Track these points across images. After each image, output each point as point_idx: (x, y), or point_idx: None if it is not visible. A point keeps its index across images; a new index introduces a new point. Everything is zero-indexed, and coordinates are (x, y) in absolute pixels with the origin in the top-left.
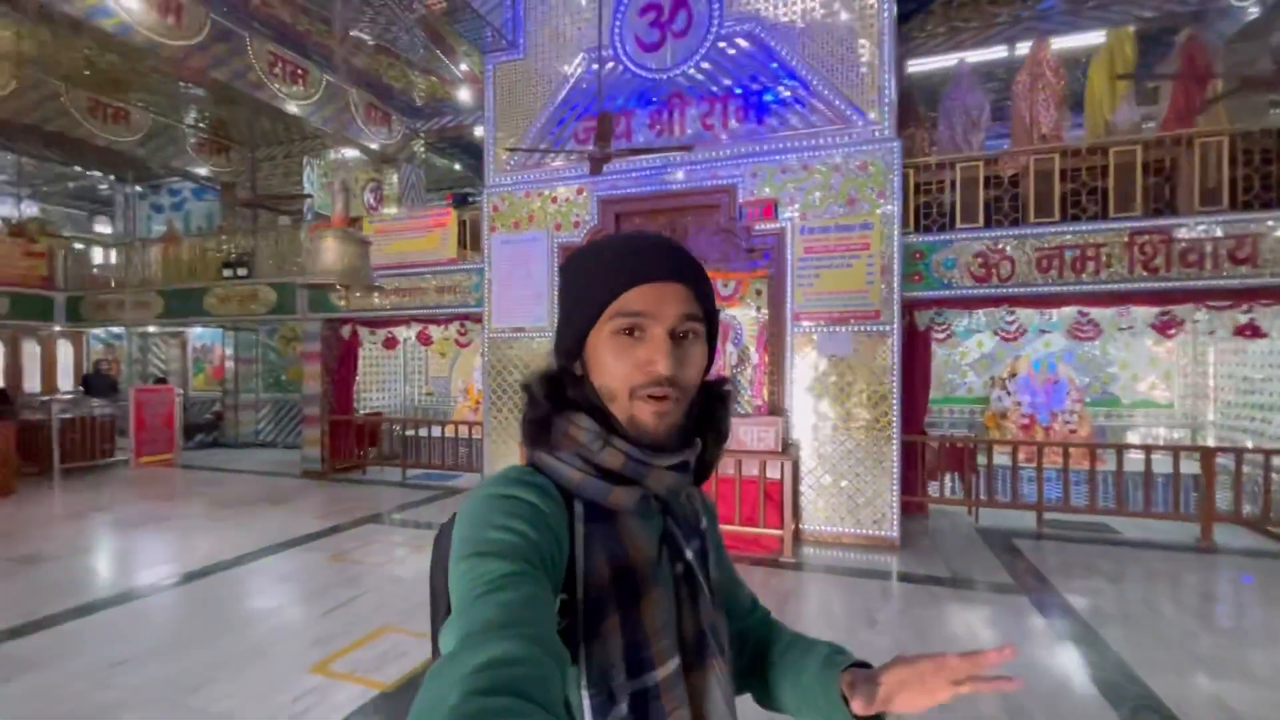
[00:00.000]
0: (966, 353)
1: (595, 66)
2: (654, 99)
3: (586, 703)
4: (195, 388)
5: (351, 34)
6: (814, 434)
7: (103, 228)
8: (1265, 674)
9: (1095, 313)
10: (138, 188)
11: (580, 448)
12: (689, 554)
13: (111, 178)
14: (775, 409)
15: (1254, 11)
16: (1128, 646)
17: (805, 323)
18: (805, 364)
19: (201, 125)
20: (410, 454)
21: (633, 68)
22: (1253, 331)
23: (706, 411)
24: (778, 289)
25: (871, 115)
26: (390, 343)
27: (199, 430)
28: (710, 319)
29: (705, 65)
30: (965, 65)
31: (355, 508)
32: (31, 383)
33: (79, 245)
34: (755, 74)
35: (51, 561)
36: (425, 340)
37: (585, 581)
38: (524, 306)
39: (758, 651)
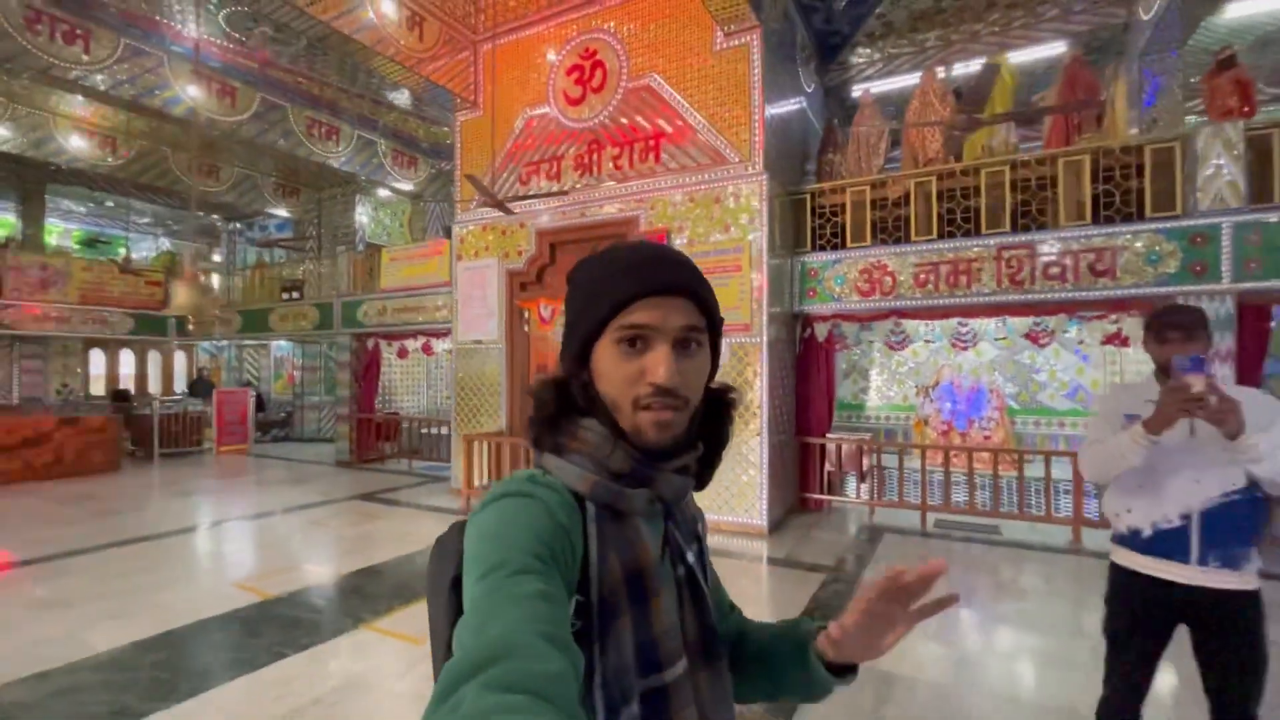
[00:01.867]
0: (902, 362)
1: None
2: (578, 145)
3: (600, 702)
4: (275, 391)
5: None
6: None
7: (219, 257)
8: (974, 648)
9: (975, 323)
10: (236, 224)
11: (590, 450)
12: (690, 557)
13: (215, 218)
14: None
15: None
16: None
17: None
18: None
19: (273, 175)
20: (427, 449)
21: (563, 119)
22: (1121, 341)
23: (709, 418)
24: None
25: (743, 155)
26: (402, 353)
27: (274, 426)
28: (713, 328)
29: (616, 115)
30: (868, 95)
31: (355, 488)
32: (154, 386)
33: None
34: (654, 121)
35: (131, 513)
36: (428, 351)
37: (599, 582)
38: (481, 322)
39: (733, 648)
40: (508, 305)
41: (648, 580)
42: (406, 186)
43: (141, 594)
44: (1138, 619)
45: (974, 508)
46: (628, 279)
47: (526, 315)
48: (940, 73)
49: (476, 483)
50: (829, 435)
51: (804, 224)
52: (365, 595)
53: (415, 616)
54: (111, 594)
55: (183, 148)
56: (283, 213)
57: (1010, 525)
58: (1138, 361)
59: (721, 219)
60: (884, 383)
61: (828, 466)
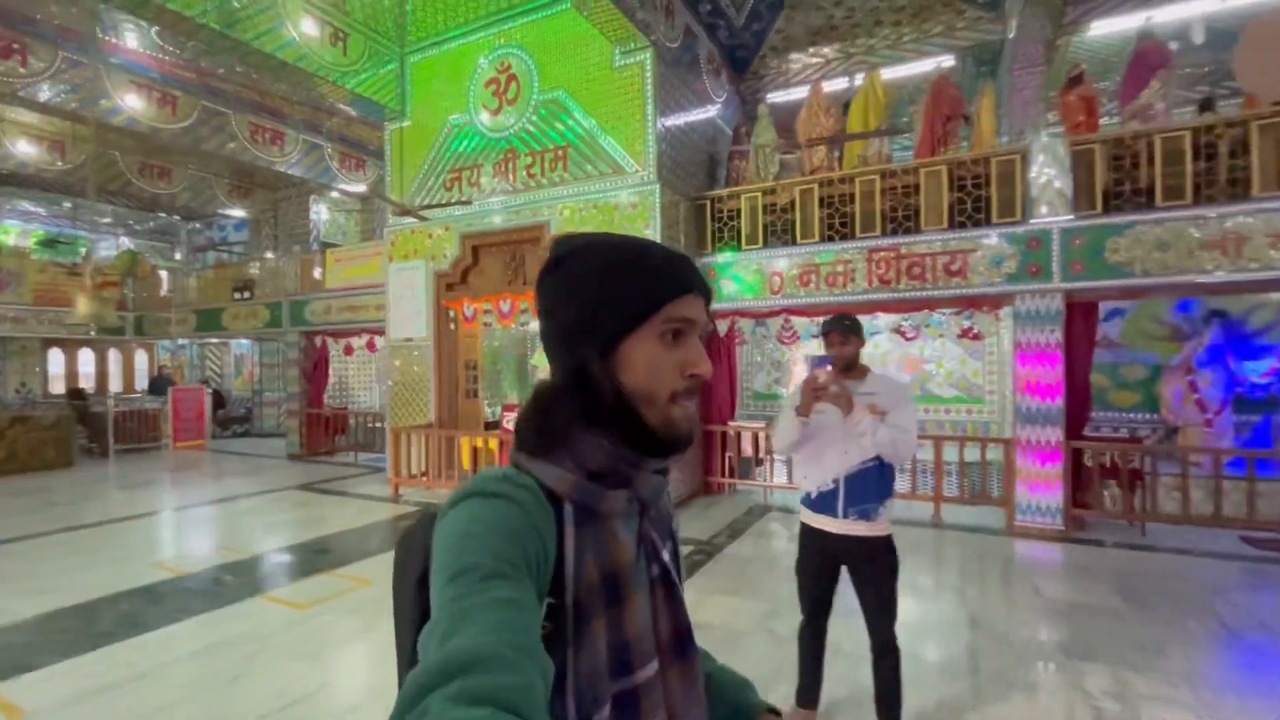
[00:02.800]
0: (808, 354)
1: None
2: (496, 153)
3: (572, 707)
4: (236, 388)
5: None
6: None
7: (180, 256)
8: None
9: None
10: (196, 224)
11: (574, 453)
12: (665, 555)
13: (176, 218)
14: None
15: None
16: (704, 577)
17: None
18: None
19: (226, 177)
20: (376, 442)
21: (482, 129)
22: (974, 335)
23: None
24: None
25: (640, 165)
26: (348, 350)
27: (235, 422)
28: None
29: (529, 126)
30: (764, 106)
31: (297, 480)
32: (115, 384)
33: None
34: (563, 132)
35: (74, 504)
36: (371, 348)
37: (574, 585)
38: (411, 322)
39: None
40: (435, 305)
41: (623, 581)
42: (356, 188)
43: (66, 574)
44: (813, 561)
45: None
46: (672, 273)
47: (452, 314)
48: (845, 83)
49: (405, 472)
50: (731, 423)
51: (705, 227)
52: (269, 571)
53: (310, 587)
54: (39, 574)
55: (131, 152)
56: (239, 213)
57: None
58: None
59: (621, 225)
60: (797, 374)
61: (743, 453)
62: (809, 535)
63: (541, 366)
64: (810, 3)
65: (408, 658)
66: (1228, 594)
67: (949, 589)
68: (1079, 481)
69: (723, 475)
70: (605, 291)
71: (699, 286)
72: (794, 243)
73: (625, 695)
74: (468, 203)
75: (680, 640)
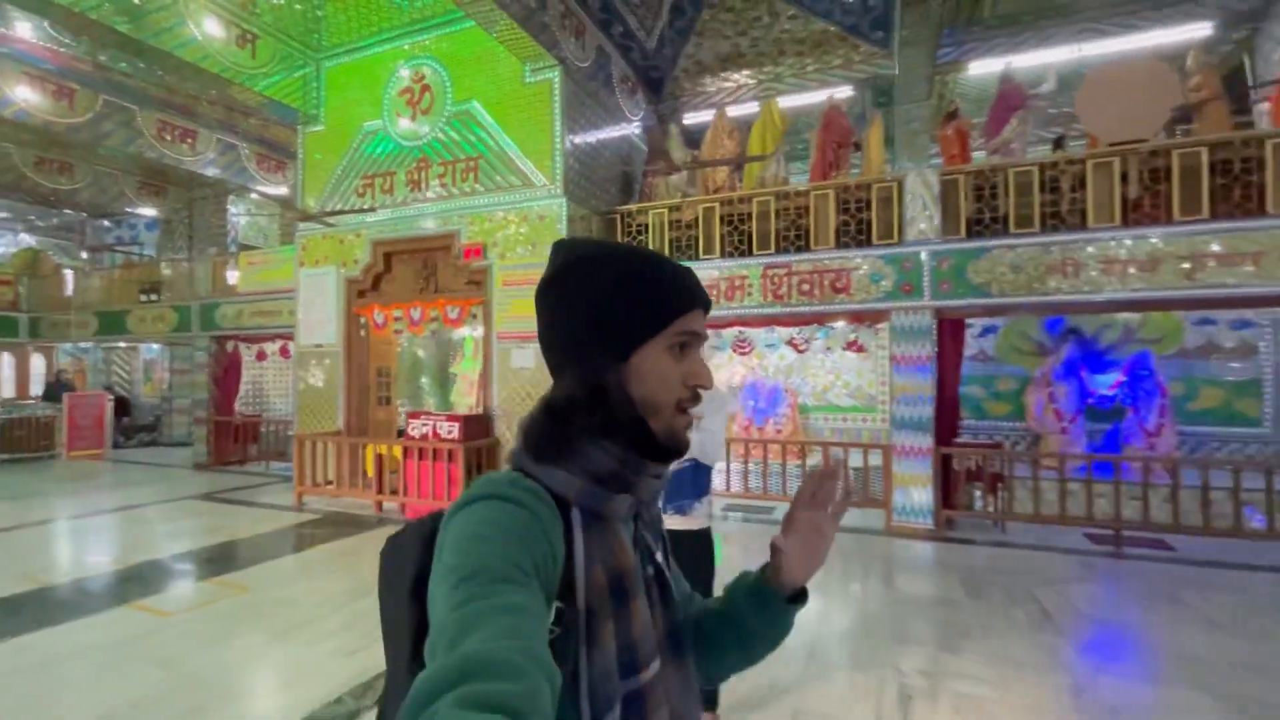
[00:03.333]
0: (718, 365)
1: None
2: (409, 162)
3: (587, 708)
4: (145, 394)
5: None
6: (510, 424)
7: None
8: None
9: (750, 331)
10: (105, 222)
11: (580, 459)
12: (658, 556)
13: (84, 215)
14: (486, 409)
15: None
16: None
17: (505, 341)
18: (508, 372)
19: (135, 173)
20: (290, 451)
21: (396, 137)
22: (858, 348)
23: None
24: (487, 314)
25: (548, 179)
26: (260, 355)
27: (141, 430)
28: None
29: (441, 136)
30: (675, 127)
31: (196, 489)
32: (8, 390)
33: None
34: (475, 143)
35: None
36: (285, 354)
37: (586, 590)
38: (322, 327)
39: (696, 630)
40: (346, 312)
41: (628, 583)
42: (276, 190)
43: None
44: None
45: (749, 492)
46: (683, 288)
47: (363, 321)
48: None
49: (311, 480)
50: None
51: (617, 240)
52: (141, 580)
53: (180, 596)
54: None
55: (28, 145)
56: (150, 212)
57: (785, 507)
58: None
59: (529, 237)
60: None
61: None
62: None
63: (461, 374)
64: (717, 32)
65: (404, 664)
66: (1057, 584)
67: (813, 585)
68: (949, 484)
69: None
70: (620, 303)
71: (703, 301)
72: (697, 258)
73: (633, 694)
74: (370, 210)
75: (675, 639)
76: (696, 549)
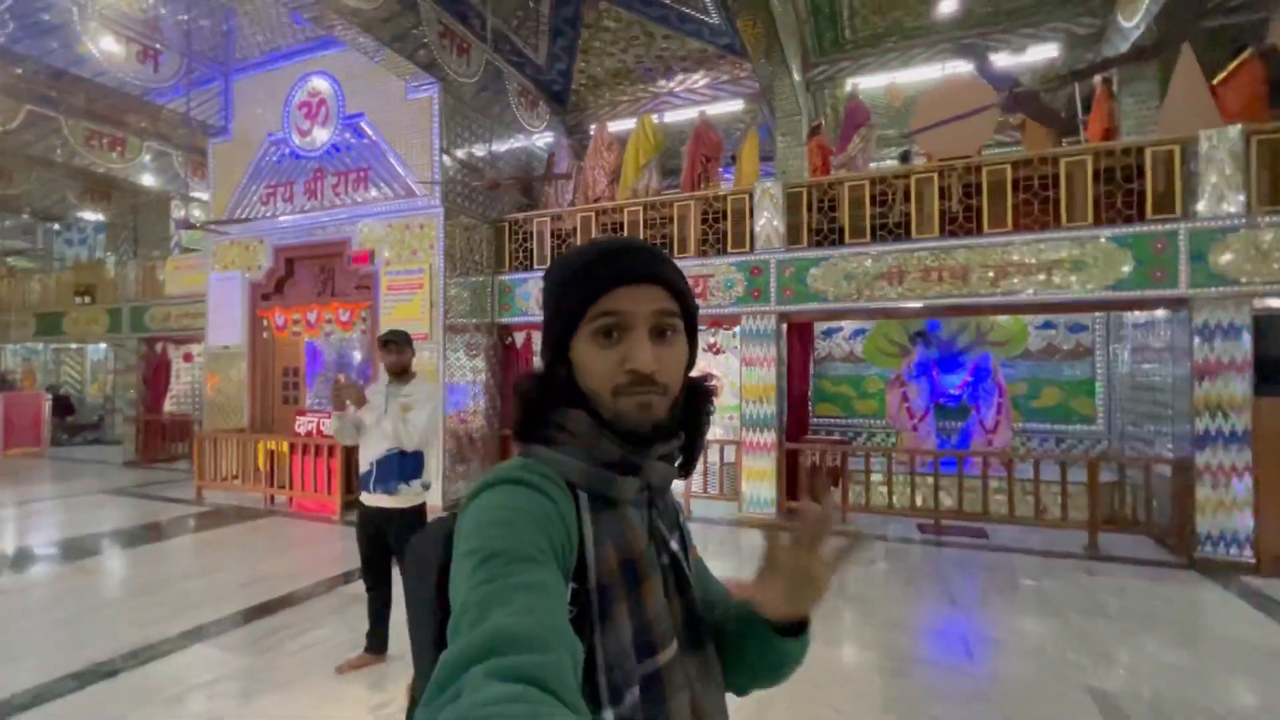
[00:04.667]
0: None
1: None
2: (307, 172)
3: (604, 687)
4: (91, 394)
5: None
6: None
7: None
8: None
9: None
10: (55, 225)
11: (579, 440)
12: (673, 545)
13: (26, 217)
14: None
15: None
16: None
17: None
18: None
19: (77, 179)
20: None
21: (296, 149)
22: (715, 350)
23: (689, 407)
24: (373, 317)
25: (427, 190)
26: (187, 357)
27: (85, 429)
28: (689, 317)
29: (335, 148)
30: (561, 140)
31: (112, 484)
32: None
33: None
34: (364, 155)
35: None
36: None
37: (597, 569)
38: (229, 329)
39: (719, 638)
40: (250, 314)
41: (640, 565)
42: (205, 196)
43: None
44: (364, 530)
45: None
46: (598, 269)
47: (266, 323)
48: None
49: (215, 475)
50: None
51: (504, 247)
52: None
53: (28, 576)
54: None
55: None
56: (97, 216)
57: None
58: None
59: (411, 244)
60: None
61: None
62: (360, 509)
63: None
64: (601, 49)
65: (429, 655)
66: (862, 568)
67: None
68: (796, 478)
69: None
70: (555, 297)
71: (638, 275)
72: None
73: (651, 677)
74: (250, 220)
75: (694, 628)
76: (405, 524)
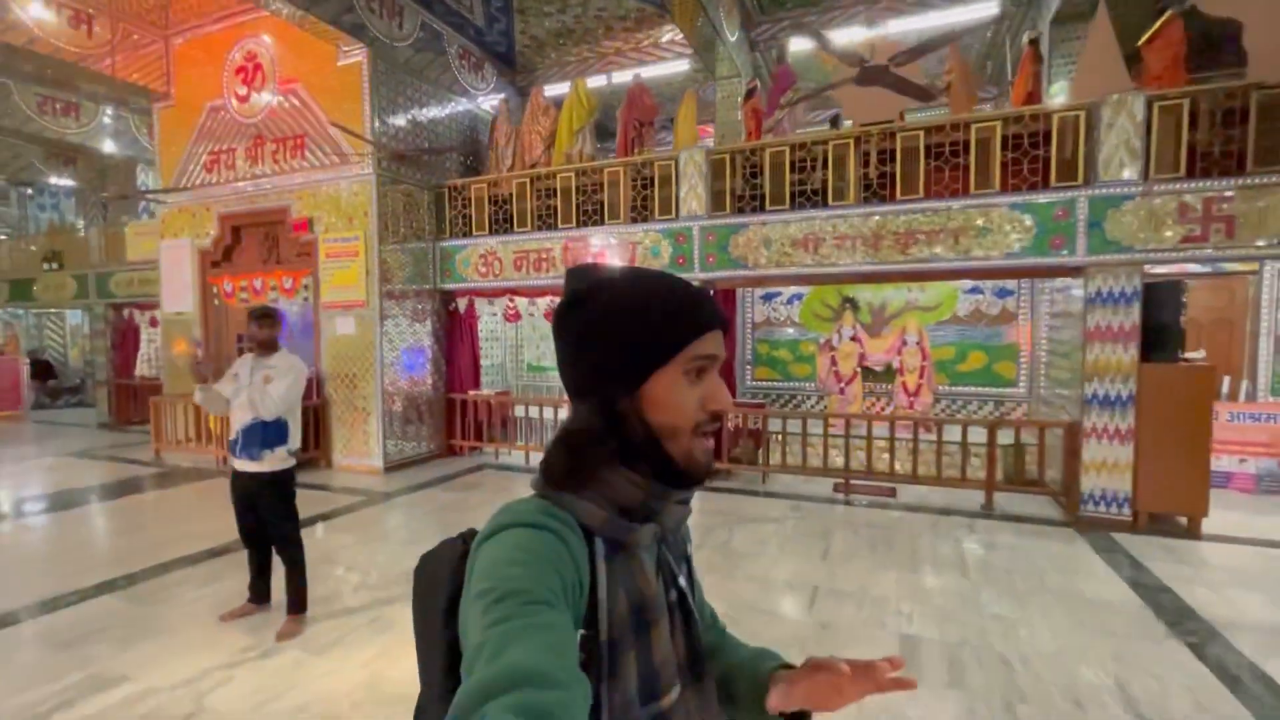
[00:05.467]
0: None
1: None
2: (247, 138)
3: None
4: (72, 359)
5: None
6: (340, 387)
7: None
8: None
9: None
10: (28, 190)
11: (609, 490)
12: (682, 581)
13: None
14: (319, 372)
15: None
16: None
17: (330, 310)
18: (332, 338)
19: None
20: None
21: (235, 114)
22: None
23: None
24: (315, 284)
25: (359, 156)
26: (153, 322)
27: (67, 393)
28: None
29: (272, 114)
30: (504, 103)
31: (82, 447)
32: None
33: None
34: (300, 121)
35: None
36: None
37: (610, 619)
38: (181, 296)
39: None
40: (200, 281)
41: (650, 611)
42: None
43: None
44: (235, 493)
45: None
46: (695, 313)
47: (216, 290)
48: (604, 80)
49: (171, 438)
50: (471, 392)
51: (444, 214)
52: None
53: None
54: None
55: None
56: (67, 181)
57: None
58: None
59: (346, 211)
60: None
61: (491, 419)
62: (232, 474)
63: None
64: (538, 9)
65: (438, 681)
66: (746, 524)
67: None
68: (720, 441)
69: (463, 438)
70: (633, 332)
71: (719, 322)
72: (512, 230)
73: (654, 718)
74: (188, 189)
75: (696, 661)
76: (270, 487)
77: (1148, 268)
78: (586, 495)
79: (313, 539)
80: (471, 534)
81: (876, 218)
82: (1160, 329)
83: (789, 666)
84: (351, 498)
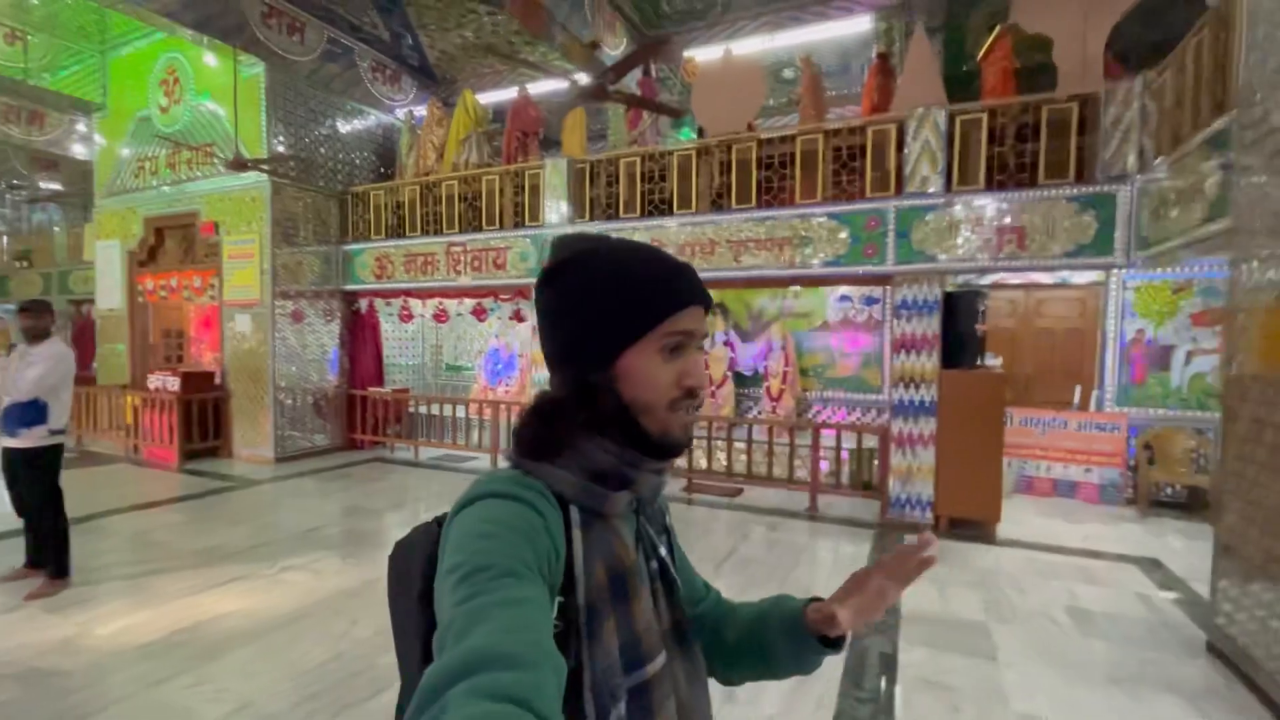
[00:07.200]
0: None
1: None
2: (169, 146)
3: (591, 706)
4: None
5: None
6: (242, 381)
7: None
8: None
9: (447, 302)
10: (23, 192)
11: (580, 456)
12: (662, 550)
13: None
14: (220, 364)
15: None
16: (284, 493)
17: (231, 307)
18: (231, 334)
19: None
20: None
21: (158, 124)
22: (519, 318)
23: None
24: (220, 283)
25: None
26: None
27: None
28: None
29: (188, 123)
30: (407, 114)
31: None
32: None
33: None
34: (210, 131)
35: None
36: None
37: (586, 586)
38: (111, 294)
39: (714, 633)
40: (128, 280)
41: (629, 579)
42: None
43: None
44: (5, 470)
45: (452, 443)
46: (673, 287)
47: (139, 288)
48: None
49: (92, 426)
50: (371, 389)
51: (348, 218)
52: None
53: None
54: None
55: None
56: (55, 185)
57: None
58: None
59: (246, 215)
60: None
61: (396, 415)
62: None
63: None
64: (437, 25)
65: (416, 667)
66: None
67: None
68: None
69: (363, 433)
70: (608, 305)
71: (699, 298)
72: (405, 235)
73: (638, 688)
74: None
75: (680, 631)
76: (29, 463)
77: (949, 278)
78: (559, 463)
79: (143, 518)
80: (445, 518)
81: (713, 226)
82: (960, 337)
83: (816, 599)
84: (222, 483)
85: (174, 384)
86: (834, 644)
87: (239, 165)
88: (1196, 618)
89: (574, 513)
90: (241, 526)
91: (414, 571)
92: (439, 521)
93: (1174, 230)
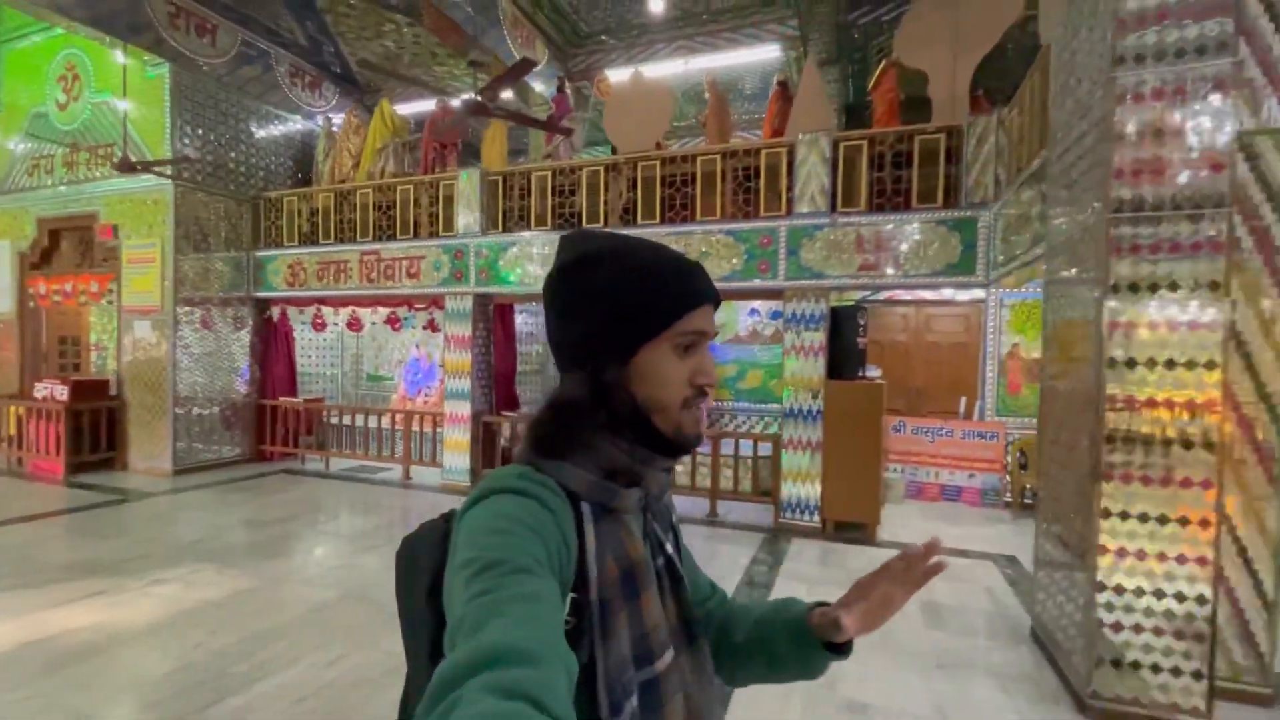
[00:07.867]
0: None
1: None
2: (66, 145)
3: (604, 701)
4: None
5: None
6: (139, 390)
7: None
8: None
9: (361, 311)
10: None
11: (593, 453)
12: (669, 547)
13: None
14: (118, 371)
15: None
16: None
17: (130, 314)
18: (130, 342)
19: None
20: None
21: (55, 121)
22: (434, 328)
23: None
24: (119, 288)
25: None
26: None
27: None
28: None
29: (87, 122)
30: (326, 121)
31: None
32: None
33: None
34: (110, 131)
35: None
36: None
37: (598, 582)
38: (2, 298)
39: (721, 632)
40: (19, 284)
41: (639, 575)
42: None
43: None
44: None
45: (362, 454)
46: (687, 286)
47: (31, 292)
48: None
49: None
50: (284, 398)
51: (260, 224)
52: None
53: None
54: None
55: None
56: None
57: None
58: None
59: (147, 219)
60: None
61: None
62: None
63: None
64: (357, 35)
65: (424, 663)
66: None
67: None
68: (493, 448)
69: (273, 444)
70: (623, 304)
71: (711, 297)
72: (318, 243)
73: (648, 684)
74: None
75: (688, 627)
76: None
77: (834, 295)
78: (571, 460)
79: (15, 532)
80: (453, 514)
81: None
82: (844, 348)
83: (822, 604)
84: (111, 497)
85: (62, 393)
86: (840, 649)
87: (127, 167)
88: (1029, 608)
89: (586, 509)
90: (120, 540)
91: (421, 567)
92: (445, 518)
93: (1014, 253)
